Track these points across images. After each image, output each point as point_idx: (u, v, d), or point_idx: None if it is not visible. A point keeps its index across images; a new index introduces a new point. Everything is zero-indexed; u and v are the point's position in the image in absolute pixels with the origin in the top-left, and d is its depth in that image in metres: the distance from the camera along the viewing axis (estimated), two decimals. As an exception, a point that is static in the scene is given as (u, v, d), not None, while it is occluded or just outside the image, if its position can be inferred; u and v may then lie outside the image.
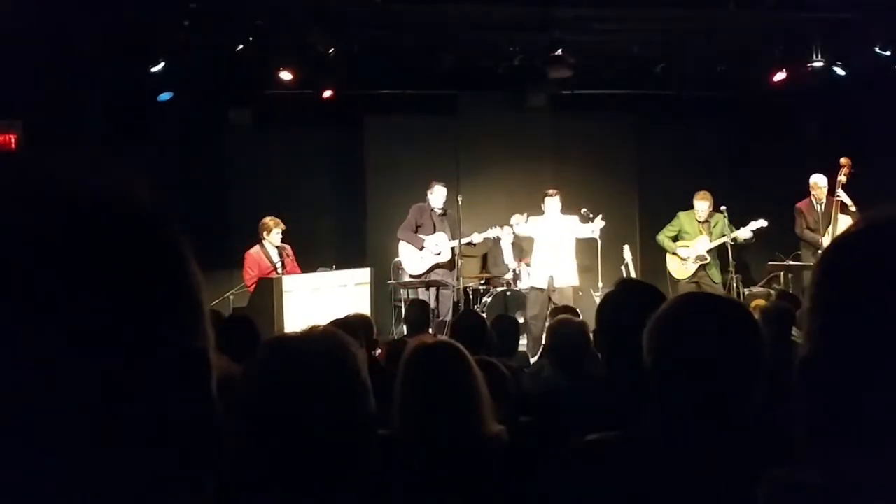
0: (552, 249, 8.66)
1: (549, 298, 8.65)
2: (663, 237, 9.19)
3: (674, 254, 9.11)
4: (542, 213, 8.89)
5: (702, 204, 8.98)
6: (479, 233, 8.99)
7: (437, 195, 8.98)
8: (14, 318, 0.53)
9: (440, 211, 9.02)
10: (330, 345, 1.52)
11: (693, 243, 9.00)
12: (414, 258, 8.98)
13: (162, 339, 0.58)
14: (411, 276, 8.99)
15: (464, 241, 8.84)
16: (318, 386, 1.46)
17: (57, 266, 0.55)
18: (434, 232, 8.97)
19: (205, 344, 0.63)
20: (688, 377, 1.61)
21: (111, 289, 0.56)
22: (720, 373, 1.60)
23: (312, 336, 1.55)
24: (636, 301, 2.39)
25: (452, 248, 8.97)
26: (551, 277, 8.60)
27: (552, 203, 8.74)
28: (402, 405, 2.25)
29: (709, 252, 8.93)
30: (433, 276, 8.90)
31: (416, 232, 8.99)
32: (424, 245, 8.92)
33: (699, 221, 9.03)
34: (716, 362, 1.60)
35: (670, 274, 9.16)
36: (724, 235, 8.82)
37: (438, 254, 8.92)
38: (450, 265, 9.03)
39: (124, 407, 0.56)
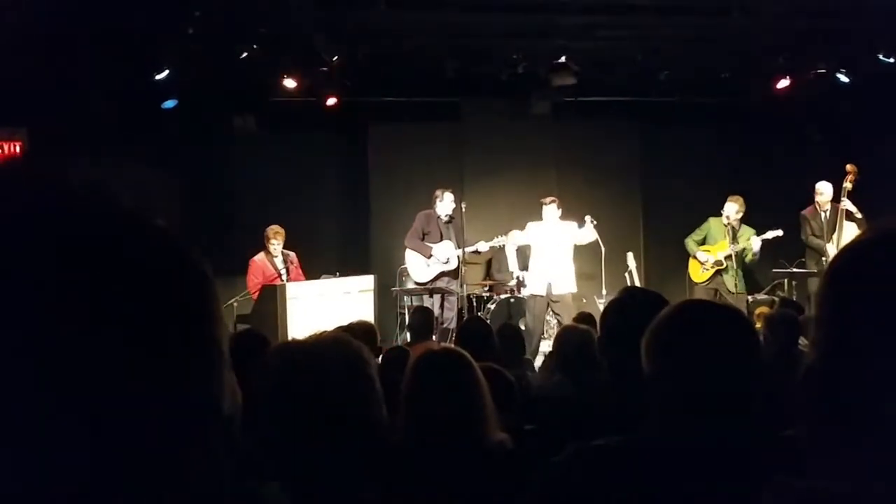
0: (549, 257, 8.62)
1: (549, 305, 8.64)
2: (689, 240, 9.17)
3: (694, 257, 9.11)
4: (541, 219, 8.88)
5: (731, 206, 8.88)
6: (486, 241, 8.97)
7: (446, 203, 8.95)
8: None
9: (446, 218, 9.01)
10: (342, 351, 1.50)
11: (715, 248, 9.00)
12: (421, 266, 8.97)
13: (172, 391, 0.53)
14: (417, 284, 8.99)
15: (469, 249, 8.83)
16: (331, 392, 1.45)
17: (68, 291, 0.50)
18: (441, 240, 8.96)
19: (220, 396, 0.57)
20: (687, 384, 1.61)
21: (121, 327, 0.51)
22: (719, 380, 1.60)
23: (324, 342, 1.53)
24: (640, 308, 2.39)
25: (458, 256, 8.96)
26: (549, 284, 8.58)
27: (549, 210, 8.71)
28: (407, 412, 2.24)
29: (727, 258, 8.88)
30: (438, 284, 8.90)
31: (423, 240, 8.98)
32: (433, 253, 8.91)
33: (725, 226, 8.96)
34: (714, 369, 1.60)
35: (689, 277, 9.17)
36: (745, 243, 8.79)
37: (447, 262, 8.92)
38: (454, 273, 9.02)
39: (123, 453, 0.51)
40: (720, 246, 8.95)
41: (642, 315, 2.44)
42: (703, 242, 9.12)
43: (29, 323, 0.49)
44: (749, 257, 8.85)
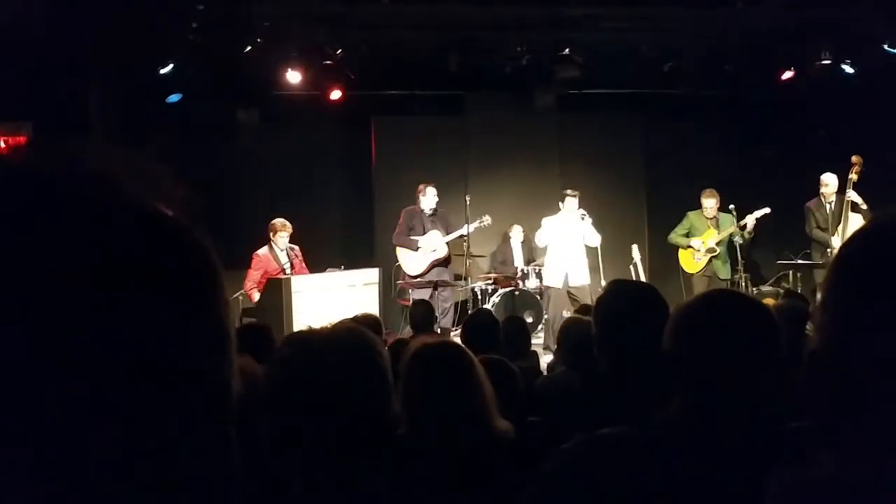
0: (565, 249, 8.73)
1: (569, 295, 8.69)
2: (675, 235, 9.29)
3: (688, 247, 9.18)
4: (553, 211, 8.89)
5: (709, 201, 9.12)
6: (469, 224, 8.98)
7: (429, 197, 9.00)
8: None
9: (430, 212, 9.03)
10: (357, 341, 1.50)
11: (704, 237, 9.10)
12: (413, 259, 9.02)
13: (180, 368, 0.53)
14: (412, 278, 9.02)
15: (454, 235, 8.89)
16: (344, 382, 1.45)
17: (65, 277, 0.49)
18: (425, 233, 9.01)
19: (229, 374, 0.57)
20: (711, 373, 1.61)
21: (123, 307, 0.50)
22: (742, 370, 1.60)
23: (338, 332, 1.53)
24: (628, 301, 2.41)
25: (450, 244, 8.98)
26: (566, 276, 8.67)
27: (572, 202, 8.82)
28: (404, 405, 2.25)
29: (718, 244, 9.05)
30: (431, 275, 8.92)
31: (409, 235, 9.02)
32: (420, 245, 8.95)
33: (707, 218, 9.12)
34: (738, 360, 1.59)
35: (682, 268, 9.26)
36: (731, 227, 8.90)
37: (434, 251, 8.94)
38: (445, 262, 9.05)
39: (132, 437, 0.50)
40: (707, 235, 9.12)
41: (630, 307, 2.45)
42: (686, 237, 9.26)
43: (35, 321, 0.48)
44: (745, 236, 8.96)
